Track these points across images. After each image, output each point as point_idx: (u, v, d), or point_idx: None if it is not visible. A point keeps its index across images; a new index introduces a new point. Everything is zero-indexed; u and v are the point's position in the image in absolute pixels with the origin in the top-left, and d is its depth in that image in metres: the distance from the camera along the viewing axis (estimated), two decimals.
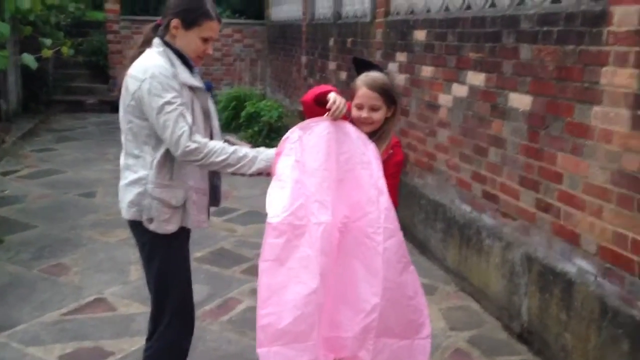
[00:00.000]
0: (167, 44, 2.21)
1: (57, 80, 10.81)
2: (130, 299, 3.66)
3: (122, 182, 2.26)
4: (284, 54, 9.82)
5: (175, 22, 2.19)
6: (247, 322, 3.42)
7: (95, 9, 12.43)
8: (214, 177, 2.39)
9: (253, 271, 4.14)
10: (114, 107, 10.95)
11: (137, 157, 2.21)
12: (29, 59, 4.43)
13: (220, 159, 2.13)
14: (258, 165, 2.16)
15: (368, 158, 2.23)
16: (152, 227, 2.20)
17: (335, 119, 2.19)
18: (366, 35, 5.90)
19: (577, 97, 2.83)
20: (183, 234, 2.32)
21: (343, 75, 6.75)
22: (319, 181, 2.15)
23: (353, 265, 2.18)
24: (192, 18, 2.19)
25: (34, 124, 8.79)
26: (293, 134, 2.20)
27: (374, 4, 5.67)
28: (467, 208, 3.95)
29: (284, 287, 2.00)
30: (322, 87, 2.31)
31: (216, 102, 8.23)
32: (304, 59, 8.52)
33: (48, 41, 5.87)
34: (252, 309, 3.57)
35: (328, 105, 2.18)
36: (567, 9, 2.98)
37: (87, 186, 6.03)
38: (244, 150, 2.18)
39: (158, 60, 2.15)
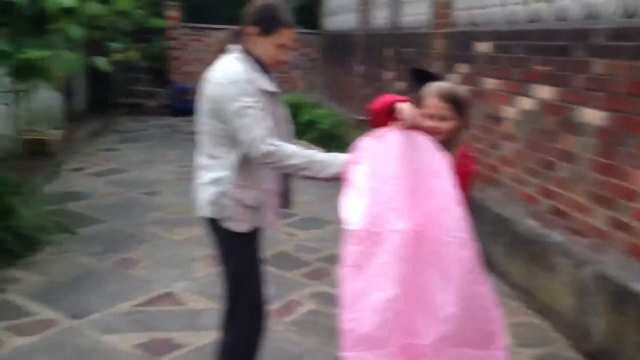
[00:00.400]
0: (244, 51, 2.31)
1: (120, 84, 11.23)
2: (198, 294, 3.79)
3: (199, 181, 2.36)
4: (339, 63, 9.94)
5: (253, 29, 2.27)
6: (309, 324, 3.50)
7: (155, 15, 12.86)
8: (287, 180, 2.47)
9: (313, 275, 4.23)
10: (173, 111, 11.33)
11: (214, 157, 2.31)
12: (101, 62, 4.65)
13: (296, 162, 2.19)
14: (332, 170, 2.22)
15: (441, 167, 2.26)
16: (227, 225, 2.30)
17: (407, 128, 2.24)
18: (425, 46, 5.94)
19: None
20: (256, 233, 2.41)
21: (400, 85, 6.80)
22: (393, 189, 2.18)
23: (428, 273, 2.20)
24: (269, 26, 2.27)
25: (99, 125, 9.16)
26: (367, 143, 2.24)
27: (433, 15, 5.71)
28: (533, 223, 3.93)
29: (364, 293, 2.05)
30: (392, 97, 2.35)
31: None
32: (358, 68, 8.60)
33: (117, 45, 6.12)
34: (314, 312, 3.66)
35: (400, 115, 2.24)
36: None
37: (150, 185, 6.26)
38: (319, 155, 2.25)
39: (237, 66, 2.24)
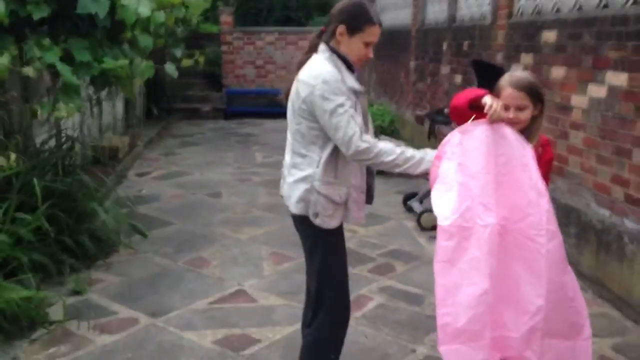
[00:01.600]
0: (332, 50, 2.35)
1: (175, 89, 11.52)
2: (268, 291, 3.85)
3: (290, 179, 2.41)
4: (390, 59, 9.89)
5: (340, 28, 2.31)
6: (380, 318, 3.51)
7: (208, 21, 13.14)
8: (369, 177, 2.49)
9: (378, 271, 4.24)
10: (226, 114, 11.54)
11: (304, 156, 2.35)
12: (171, 69, 4.78)
13: (390, 159, 2.23)
14: (425, 166, 2.24)
15: (527, 160, 2.24)
16: (317, 221, 2.34)
17: (493, 122, 2.22)
18: (486, 38, 5.84)
19: None
20: (341, 229, 2.44)
21: (458, 78, 6.72)
22: (481, 184, 2.18)
23: (514, 266, 2.19)
24: (356, 24, 2.30)
25: (158, 129, 9.42)
26: (454, 138, 2.24)
27: (495, 6, 5.61)
28: (605, 212, 3.82)
29: (457, 288, 2.07)
30: (475, 91, 2.34)
31: None
32: (412, 64, 8.54)
33: (178, 52, 6.27)
34: (383, 306, 3.67)
35: (485, 109, 2.21)
36: None
37: (213, 187, 6.40)
38: (410, 151, 2.27)
39: (327, 66, 2.29)
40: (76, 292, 3.71)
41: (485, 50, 5.83)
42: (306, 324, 2.55)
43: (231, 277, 4.06)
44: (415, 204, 5.38)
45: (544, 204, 2.19)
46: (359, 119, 2.27)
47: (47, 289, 3.59)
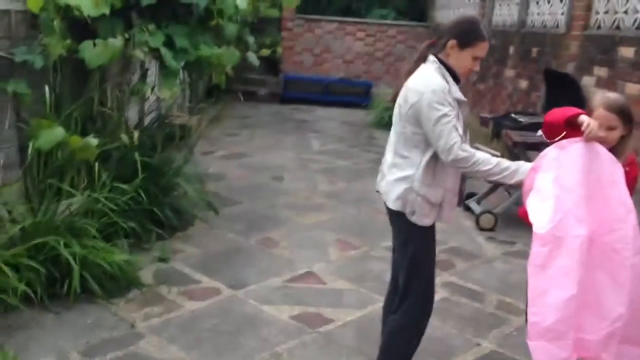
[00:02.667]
0: (441, 61, 2.53)
1: (234, 71, 11.78)
2: (336, 275, 4.07)
3: (390, 177, 2.61)
4: None
5: (452, 42, 2.49)
6: (444, 311, 3.69)
7: (272, 6, 13.35)
8: (462, 180, 2.67)
9: (440, 266, 4.35)
10: (282, 99, 11.76)
11: (405, 157, 2.55)
12: (253, 57, 5.01)
13: (486, 169, 2.42)
14: (518, 177, 2.43)
15: (617, 177, 2.40)
16: (413, 219, 2.53)
17: (588, 140, 2.39)
18: (557, 46, 5.90)
19: None
20: (434, 227, 2.63)
21: (523, 83, 6.79)
22: (575, 197, 2.35)
23: (598, 275, 2.35)
24: (468, 39, 2.47)
25: (217, 110, 9.71)
26: (551, 152, 2.43)
27: (570, 16, 5.66)
28: None
29: (546, 291, 2.26)
30: (571, 110, 2.50)
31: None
32: None
33: (251, 38, 6.49)
34: (447, 300, 3.85)
35: (582, 128, 2.38)
36: None
37: (275, 170, 6.65)
38: (505, 162, 2.45)
39: (436, 76, 2.47)
40: (162, 259, 4.01)
41: (555, 58, 5.90)
42: (391, 310, 2.75)
43: (300, 259, 4.30)
44: (473, 204, 5.52)
45: (631, 220, 2.35)
46: (460, 129, 2.45)
47: (137, 254, 3.89)
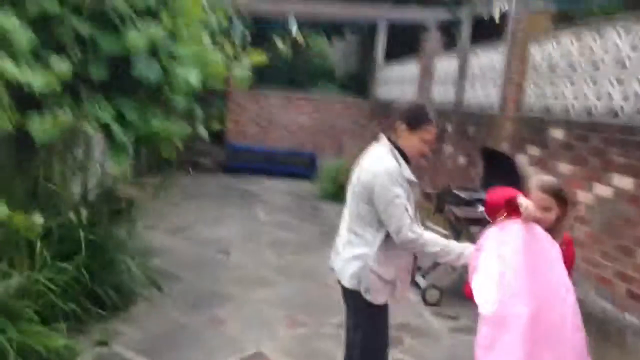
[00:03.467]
0: (392, 142, 2.63)
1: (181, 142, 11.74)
2: (285, 355, 3.99)
3: (345, 255, 2.65)
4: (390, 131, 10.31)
5: (401, 125, 2.62)
6: None
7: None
8: (414, 259, 2.74)
9: None
10: (226, 169, 11.69)
11: (359, 235, 2.60)
12: (203, 131, 5.04)
13: (434, 250, 2.53)
14: (463, 260, 2.54)
15: (554, 257, 2.53)
16: (367, 297, 2.56)
17: (526, 221, 2.52)
18: (492, 126, 6.25)
19: None
20: (387, 306, 2.66)
21: (462, 159, 7.10)
22: (517, 276, 2.45)
23: (542, 355, 2.43)
24: (417, 122, 2.61)
25: (162, 182, 9.58)
26: (493, 232, 2.55)
27: (503, 99, 6.04)
28: (606, 305, 4.09)
29: None
30: (510, 191, 2.65)
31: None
32: None
33: (199, 111, 6.52)
34: None
35: (522, 209, 2.51)
36: None
37: (221, 244, 6.56)
38: (452, 244, 2.57)
39: (389, 158, 2.57)
40: (102, 343, 3.81)
41: (491, 137, 6.24)
42: None
43: (248, 339, 4.19)
44: (419, 279, 5.60)
45: (570, 300, 2.47)
46: (411, 209, 2.54)
47: (77, 337, 3.69)
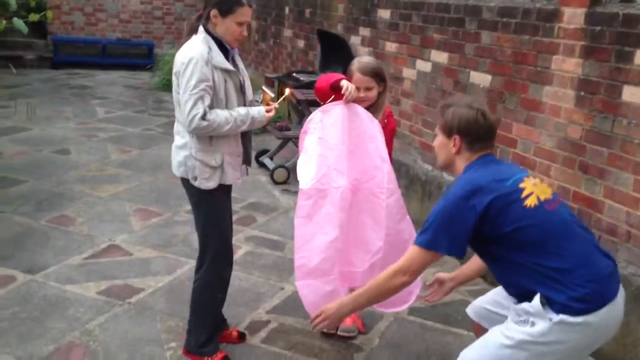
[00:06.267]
0: (207, 32, 2.62)
1: None
2: (141, 245, 4.09)
3: (175, 144, 2.73)
4: None
5: (213, 12, 2.59)
6: (250, 263, 3.97)
7: None
8: (246, 141, 2.84)
9: (242, 222, 4.63)
10: (53, 64, 10.80)
11: (181, 123, 2.65)
12: (20, 24, 4.59)
13: (229, 127, 2.59)
14: (260, 119, 2.67)
15: (374, 133, 2.87)
16: (196, 184, 2.67)
17: (348, 102, 2.79)
18: (327, 8, 6.40)
19: (532, 78, 3.56)
20: (223, 189, 2.76)
21: (301, 43, 7.24)
22: (337, 154, 2.77)
23: (362, 217, 2.85)
24: (227, 7, 2.58)
25: None
26: (316, 116, 2.81)
27: None
28: (428, 167, 4.67)
29: (312, 237, 2.66)
30: (334, 76, 2.89)
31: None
32: (254, 23, 8.86)
33: (13, 1, 5.89)
34: (251, 253, 4.13)
35: (343, 91, 2.77)
36: (523, 4, 3.68)
37: (58, 143, 6.23)
38: (242, 111, 2.63)
39: (198, 46, 2.55)
40: None
41: (326, 19, 6.40)
42: (196, 270, 2.91)
43: (101, 234, 4.21)
44: (267, 160, 5.87)
45: (386, 168, 2.86)
46: (209, 101, 2.54)
47: None
